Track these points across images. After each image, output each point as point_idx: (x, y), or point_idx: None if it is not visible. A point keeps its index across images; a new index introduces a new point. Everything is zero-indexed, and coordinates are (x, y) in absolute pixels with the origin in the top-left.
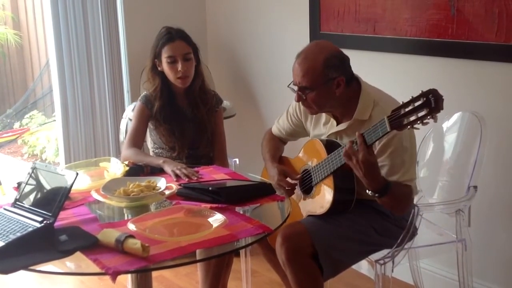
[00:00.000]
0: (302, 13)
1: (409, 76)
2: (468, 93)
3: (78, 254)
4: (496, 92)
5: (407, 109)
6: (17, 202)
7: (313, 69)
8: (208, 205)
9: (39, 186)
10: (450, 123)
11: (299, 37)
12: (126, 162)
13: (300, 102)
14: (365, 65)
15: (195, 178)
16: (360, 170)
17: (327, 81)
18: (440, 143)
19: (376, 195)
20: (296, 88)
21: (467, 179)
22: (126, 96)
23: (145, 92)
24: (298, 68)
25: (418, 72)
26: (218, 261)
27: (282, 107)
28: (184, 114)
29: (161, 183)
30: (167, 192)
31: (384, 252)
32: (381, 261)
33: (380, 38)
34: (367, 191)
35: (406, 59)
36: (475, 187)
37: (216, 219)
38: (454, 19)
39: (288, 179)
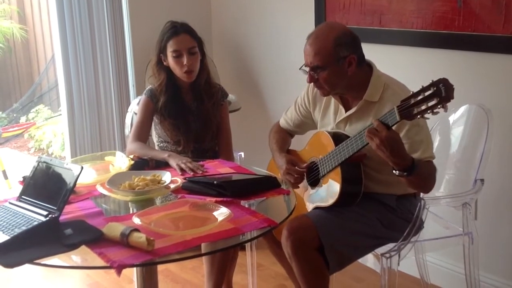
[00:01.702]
0: (307, 5)
1: (415, 69)
2: (475, 85)
3: (83, 247)
4: (503, 84)
5: (417, 99)
6: (23, 196)
7: (325, 48)
8: (213, 199)
9: (44, 180)
10: (457, 116)
11: (304, 30)
12: (131, 156)
13: (312, 84)
14: (371, 58)
15: (200, 172)
16: (385, 148)
17: (338, 60)
18: (447, 136)
19: (405, 173)
20: (307, 69)
21: (473, 172)
22: (131, 90)
23: (150, 86)
24: (310, 48)
25: (425, 64)
26: (223, 255)
27: (287, 100)
28: (189, 108)
29: (166, 177)
30: (172, 186)
31: (390, 245)
32: (387, 255)
33: (386, 31)
34: (393, 171)
35: (412, 51)
36: (482, 180)
37: (221, 213)
38: (461, 11)
39: (296, 167)
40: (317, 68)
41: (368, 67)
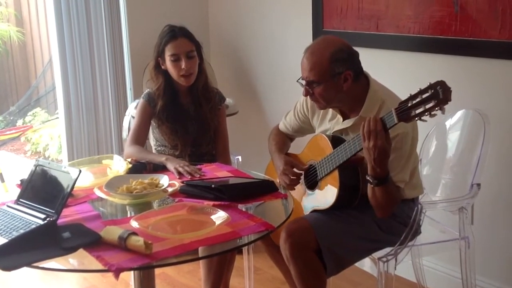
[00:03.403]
0: (305, 10)
1: (412, 74)
2: (471, 90)
3: (81, 251)
4: (499, 89)
5: (414, 101)
6: (20, 199)
7: (320, 64)
8: (211, 203)
9: (42, 183)
10: (453, 121)
11: (301, 34)
12: (129, 160)
13: (308, 97)
14: (368, 63)
15: (198, 176)
16: (372, 153)
17: (334, 76)
18: (443, 141)
19: (376, 181)
20: (304, 82)
21: (470, 176)
22: (129, 94)
23: (148, 90)
24: (306, 62)
25: (421, 69)
26: (221, 259)
27: (284, 104)
28: (187, 112)
29: (164, 180)
30: (169, 189)
31: (387, 249)
32: (384, 259)
33: (383, 36)
34: (366, 176)
35: (409, 56)
36: (478, 184)
37: (219, 216)
38: (458, 16)
39: (294, 169)
40: (312, 83)
41: (365, 80)
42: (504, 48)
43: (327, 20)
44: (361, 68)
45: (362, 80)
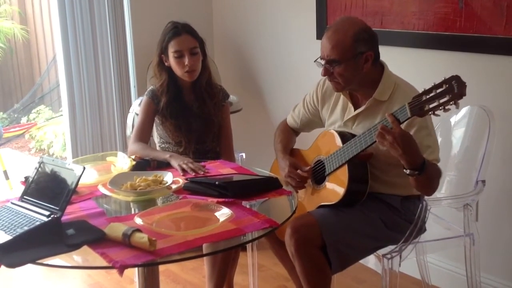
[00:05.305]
0: (308, 6)
1: (417, 70)
2: (476, 87)
3: (85, 248)
4: (504, 86)
5: (428, 96)
6: (25, 196)
7: (343, 42)
8: (215, 200)
9: (46, 180)
10: (458, 117)
11: (305, 31)
12: (133, 157)
13: (322, 82)
14: None
15: (202, 173)
16: (398, 146)
17: (355, 55)
18: (448, 138)
19: (416, 172)
20: (323, 62)
21: (475, 173)
22: (133, 91)
23: (152, 87)
24: (327, 41)
25: (426, 66)
26: (225, 255)
27: (288, 101)
28: (191, 109)
29: (168, 177)
30: (173, 186)
31: (392, 246)
32: (388, 256)
33: (388, 32)
34: (404, 170)
35: (414, 53)
36: (483, 181)
37: (223, 213)
38: (462, 12)
39: (299, 171)
40: (333, 61)
41: (380, 66)
42: (509, 45)
43: (331, 16)
44: (379, 52)
45: (379, 65)
